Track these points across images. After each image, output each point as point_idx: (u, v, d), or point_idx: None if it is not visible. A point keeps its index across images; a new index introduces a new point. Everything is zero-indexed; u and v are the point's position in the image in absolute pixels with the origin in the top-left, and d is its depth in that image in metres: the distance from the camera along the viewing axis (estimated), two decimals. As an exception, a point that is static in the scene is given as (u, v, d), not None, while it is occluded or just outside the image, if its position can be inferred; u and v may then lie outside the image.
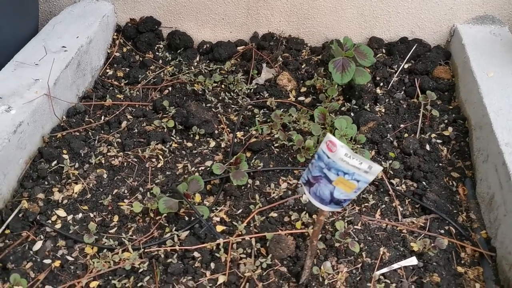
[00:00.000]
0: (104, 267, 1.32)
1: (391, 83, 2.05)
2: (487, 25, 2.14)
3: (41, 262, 1.36)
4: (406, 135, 1.81)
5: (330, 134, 1.05)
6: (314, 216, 1.47)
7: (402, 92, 2.01)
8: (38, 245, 1.41)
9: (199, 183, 1.46)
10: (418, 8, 2.15)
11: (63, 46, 1.97)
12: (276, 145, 1.77)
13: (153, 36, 2.33)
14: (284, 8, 2.25)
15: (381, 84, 2.07)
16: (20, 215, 1.49)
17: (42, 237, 1.44)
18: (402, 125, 1.85)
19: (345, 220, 1.45)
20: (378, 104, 1.95)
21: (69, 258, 1.39)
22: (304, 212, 1.47)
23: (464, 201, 1.59)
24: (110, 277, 1.31)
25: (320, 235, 1.40)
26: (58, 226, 1.48)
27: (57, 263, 1.36)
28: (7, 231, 1.45)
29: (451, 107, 1.94)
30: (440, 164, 1.71)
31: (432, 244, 1.38)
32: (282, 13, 2.26)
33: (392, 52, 2.20)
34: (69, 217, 1.51)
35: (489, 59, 1.92)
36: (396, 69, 2.11)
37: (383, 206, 1.54)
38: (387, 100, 1.97)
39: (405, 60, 2.12)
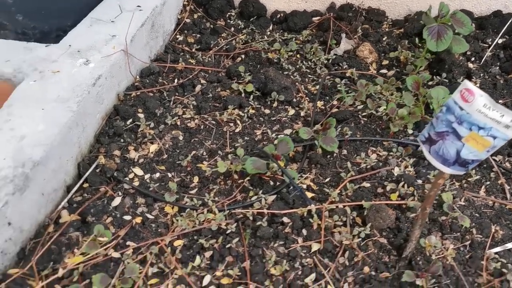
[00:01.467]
0: (189, 226, 1.23)
1: (484, 58, 1.89)
2: None
3: (121, 218, 1.29)
4: (505, 111, 1.65)
5: (468, 81, 0.92)
6: (412, 188, 1.34)
7: (498, 68, 1.85)
8: (117, 201, 1.34)
9: (289, 145, 1.35)
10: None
11: (138, 6, 1.89)
12: (363, 114, 1.64)
13: (225, 3, 2.24)
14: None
15: (473, 58, 1.91)
16: (98, 170, 1.42)
17: (120, 193, 1.37)
18: (500, 101, 1.69)
19: (452, 194, 1.31)
20: (472, 78, 1.79)
21: (149, 216, 1.31)
22: (402, 183, 1.34)
23: None
24: (195, 237, 1.22)
25: (413, 204, 1.27)
26: (136, 183, 1.40)
27: (138, 220, 1.28)
28: (85, 185, 1.38)
29: (554, 85, 1.77)
30: (546, 144, 1.55)
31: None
32: (364, -18, 2.13)
33: (484, 26, 2.04)
34: (146, 176, 1.43)
35: None
36: (489, 43, 1.94)
37: (488, 183, 1.39)
38: (481, 75, 1.81)
39: (499, 35, 1.95)
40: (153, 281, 1.12)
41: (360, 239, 1.19)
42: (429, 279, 1.09)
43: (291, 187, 1.31)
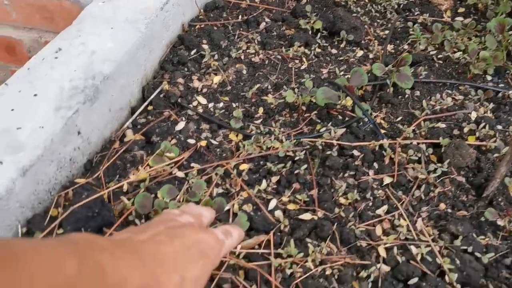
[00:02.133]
0: (255, 151, 1.19)
1: None
2: None
3: (185, 141, 1.26)
4: None
5: None
6: (492, 132, 1.25)
7: None
8: (181, 125, 1.31)
9: (363, 77, 1.28)
10: None
11: None
12: (439, 57, 1.55)
13: None
14: None
15: (560, 8, 1.76)
16: (161, 95, 1.39)
17: (184, 118, 1.34)
18: None
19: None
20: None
21: (213, 141, 1.27)
22: (483, 123, 1.25)
23: None
24: (261, 162, 1.18)
25: (489, 146, 1.18)
26: (199, 110, 1.37)
27: (203, 143, 1.25)
28: (150, 108, 1.36)
29: None
30: None
31: None
32: None
33: None
34: (210, 105, 1.40)
35: None
36: None
37: None
38: None
39: None
40: (217, 200, 1.09)
41: (436, 175, 1.12)
42: (508, 220, 1.01)
43: (365, 118, 1.25)
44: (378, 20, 1.82)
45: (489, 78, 1.49)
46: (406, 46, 1.66)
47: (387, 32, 1.72)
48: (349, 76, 1.31)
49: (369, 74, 1.43)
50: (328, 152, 1.17)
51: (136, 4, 1.43)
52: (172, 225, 0.68)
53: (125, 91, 1.29)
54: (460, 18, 1.79)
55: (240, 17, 1.77)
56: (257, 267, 0.92)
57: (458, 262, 0.93)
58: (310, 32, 1.68)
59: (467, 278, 0.91)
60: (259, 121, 1.34)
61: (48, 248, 0.43)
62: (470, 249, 0.96)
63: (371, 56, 1.62)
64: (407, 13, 1.84)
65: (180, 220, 0.71)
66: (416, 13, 1.83)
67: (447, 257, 0.94)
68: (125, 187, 1.11)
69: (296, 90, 1.42)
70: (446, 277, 0.92)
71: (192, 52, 1.55)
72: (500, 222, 1.02)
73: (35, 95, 1.10)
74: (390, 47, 1.66)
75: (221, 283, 0.91)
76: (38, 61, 1.21)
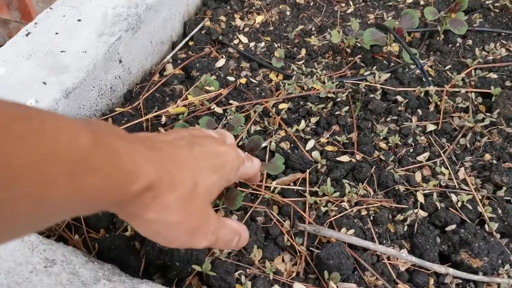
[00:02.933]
0: (296, 91, 1.17)
1: None
2: None
3: (225, 78, 1.24)
4: None
5: None
6: (547, 85, 1.18)
7: None
8: (221, 62, 1.29)
9: (414, 19, 1.22)
10: None
11: None
12: (496, 5, 1.45)
13: None
14: None
15: None
16: (203, 32, 1.37)
17: (224, 56, 1.32)
18: None
19: None
20: None
21: (252, 80, 1.25)
22: (537, 74, 1.19)
23: None
24: (301, 102, 1.16)
25: None
26: (241, 48, 1.34)
27: (243, 81, 1.23)
28: (191, 43, 1.34)
29: None
30: None
31: None
32: None
33: None
34: (251, 44, 1.37)
35: None
36: None
37: None
38: None
39: None
40: (255, 138, 1.08)
41: (483, 125, 1.08)
42: (563, 173, 0.97)
43: (412, 64, 1.20)
44: (433, -34, 1.71)
45: (549, 30, 1.39)
46: (461, -6, 1.56)
47: (441, -22, 1.62)
48: (399, 19, 1.25)
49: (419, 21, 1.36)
50: (371, 96, 1.13)
51: None
52: (196, 133, 0.66)
53: (166, 25, 1.28)
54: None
55: (286, -44, 1.69)
56: (291, 203, 0.92)
57: (500, 211, 0.89)
58: (359, -25, 1.60)
59: (508, 228, 0.88)
60: (301, 62, 1.31)
61: (64, 119, 0.40)
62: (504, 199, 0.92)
63: (422, 2, 1.54)
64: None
65: (205, 132, 0.70)
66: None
67: (489, 206, 0.90)
68: (163, 120, 1.12)
69: (341, 33, 1.37)
70: (486, 226, 0.89)
71: (236, -10, 1.50)
72: (549, 177, 0.97)
73: (79, 20, 1.10)
74: (443, -6, 1.57)
75: (255, 215, 0.91)
76: (82, -12, 1.20)
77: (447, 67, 1.28)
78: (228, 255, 0.85)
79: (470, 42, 1.36)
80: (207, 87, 1.11)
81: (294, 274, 0.85)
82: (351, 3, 1.52)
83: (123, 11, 1.13)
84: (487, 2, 1.50)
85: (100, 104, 1.07)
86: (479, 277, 0.82)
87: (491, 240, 0.85)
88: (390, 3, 1.53)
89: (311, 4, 1.52)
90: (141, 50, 1.18)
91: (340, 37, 1.26)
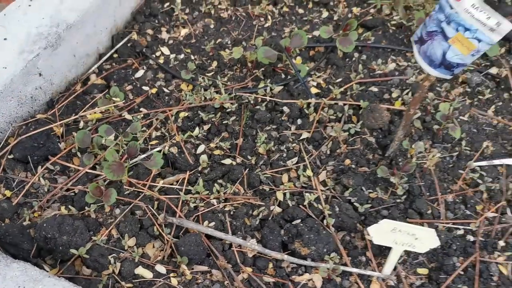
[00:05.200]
0: (195, 101, 1.34)
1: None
2: None
3: (140, 87, 1.42)
4: (549, 37, 1.55)
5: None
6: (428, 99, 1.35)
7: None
8: (140, 73, 1.47)
9: (302, 39, 1.39)
10: None
11: None
12: (393, 23, 1.62)
13: None
14: None
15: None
16: (129, 44, 1.54)
17: (144, 67, 1.50)
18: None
19: (452, 106, 1.31)
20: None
21: (165, 90, 1.43)
22: (408, 91, 1.36)
23: None
24: (199, 111, 1.34)
25: (418, 115, 1.29)
26: (160, 61, 1.51)
27: (154, 91, 1.41)
28: (115, 55, 1.52)
29: None
30: None
31: (548, 149, 1.22)
32: None
33: None
34: (172, 56, 1.54)
35: None
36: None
37: (500, 103, 1.37)
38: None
39: None
40: (153, 142, 1.26)
41: (349, 134, 1.25)
42: (402, 177, 1.14)
43: (306, 78, 1.37)
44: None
45: (439, 46, 1.55)
46: (372, 10, 1.73)
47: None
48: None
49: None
50: (258, 107, 1.31)
51: (111, -42, 1.55)
52: None
53: (91, 39, 1.45)
54: (434, -16, 1.83)
55: (218, -28, 1.86)
56: (166, 199, 1.10)
57: (337, 209, 1.07)
58: (279, -9, 1.76)
59: (341, 223, 1.06)
60: (211, 74, 1.49)
61: None
62: (354, 199, 1.10)
63: (335, 17, 1.71)
64: (385, -24, 1.88)
65: None
66: (394, -24, 1.87)
67: (329, 205, 1.08)
68: (81, 125, 1.30)
69: (245, 48, 1.54)
70: (325, 221, 1.07)
71: (165, 5, 1.68)
72: (393, 180, 1.15)
73: (5, 39, 1.28)
74: (357, 10, 1.73)
75: (135, 209, 1.10)
76: (14, 8, 1.37)
77: (338, 80, 1.45)
78: (107, 242, 1.04)
79: (364, 57, 1.53)
80: (114, 98, 1.29)
81: (160, 258, 1.03)
82: (269, 17, 1.69)
83: (45, 30, 1.30)
84: (390, 18, 1.67)
85: (20, 112, 1.25)
86: (307, 262, 1.00)
87: (323, 233, 1.03)
88: (306, 18, 1.70)
89: (233, 18, 1.69)
90: (64, 63, 1.35)
91: (241, 53, 1.43)
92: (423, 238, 0.99)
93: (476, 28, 0.91)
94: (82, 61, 1.43)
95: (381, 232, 0.98)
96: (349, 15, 1.70)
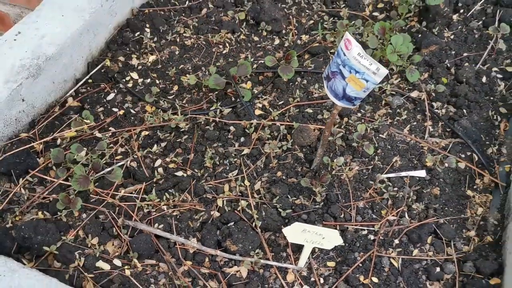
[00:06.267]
0: (156, 122, 1.58)
1: (471, 11, 1.99)
2: None
3: (110, 109, 1.66)
4: (466, 64, 1.80)
5: (348, 33, 1.15)
6: (346, 119, 1.60)
7: (480, 22, 1.95)
8: (111, 96, 1.71)
9: (247, 69, 1.64)
10: None
11: None
12: (332, 51, 1.86)
13: None
14: None
15: (461, 11, 2.02)
16: (103, 70, 1.78)
17: (115, 91, 1.74)
18: (465, 54, 1.83)
19: (371, 127, 1.55)
20: (449, 29, 1.93)
21: (132, 111, 1.67)
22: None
23: (502, 136, 1.60)
24: (158, 131, 1.58)
25: (342, 134, 1.53)
26: (129, 85, 1.76)
27: (122, 112, 1.65)
28: (90, 81, 1.76)
29: (527, 44, 1.87)
30: (491, 98, 1.71)
31: (445, 163, 1.46)
32: None
33: (484, -20, 2.10)
34: (140, 80, 1.78)
35: None
36: (481, -3, 2.03)
37: (415, 123, 1.61)
38: (459, 27, 1.94)
39: (493, -10, 2.02)
40: (118, 157, 1.50)
41: (283, 151, 1.49)
42: (321, 187, 1.39)
43: (252, 101, 1.62)
44: (307, 11, 2.12)
45: (371, 71, 1.80)
46: (318, 37, 1.97)
47: (311, 22, 2.03)
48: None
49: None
50: (207, 127, 1.55)
51: (86, -5, 1.80)
52: None
53: (69, 68, 1.69)
54: (376, 13, 2.08)
55: (187, 2, 2.11)
56: (125, 206, 1.34)
57: (264, 213, 1.32)
58: (237, 21, 2.01)
59: (267, 225, 1.30)
60: (172, 96, 1.73)
61: None
62: (279, 206, 1.34)
63: (286, 44, 1.95)
64: (334, 6, 2.13)
65: None
66: (342, 6, 2.12)
67: (258, 210, 1.33)
68: (58, 142, 1.54)
69: (201, 73, 1.78)
70: (254, 223, 1.31)
71: (136, 34, 1.92)
72: (315, 189, 1.39)
73: (-7, 70, 1.52)
74: (306, 37, 1.98)
75: (98, 214, 1.34)
76: (2, 42, 1.61)
77: (280, 102, 1.70)
78: (74, 241, 1.28)
79: (305, 82, 1.77)
80: (85, 120, 1.53)
81: (117, 253, 1.27)
82: (227, 45, 1.94)
83: (27, 62, 1.54)
84: (334, 46, 1.91)
85: (6, 132, 1.49)
86: (236, 257, 1.24)
87: (250, 233, 1.27)
88: (260, 45, 1.95)
89: (195, 45, 1.93)
90: (44, 89, 1.59)
91: (196, 80, 1.68)
92: (329, 237, 1.23)
93: (363, 71, 1.15)
94: (60, 86, 1.67)
95: (294, 232, 1.22)
96: (298, 42, 1.94)
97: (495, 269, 1.22)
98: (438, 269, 1.26)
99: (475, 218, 1.41)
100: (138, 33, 1.92)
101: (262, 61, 1.86)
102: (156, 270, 1.24)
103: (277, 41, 1.95)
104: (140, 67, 1.83)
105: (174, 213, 1.35)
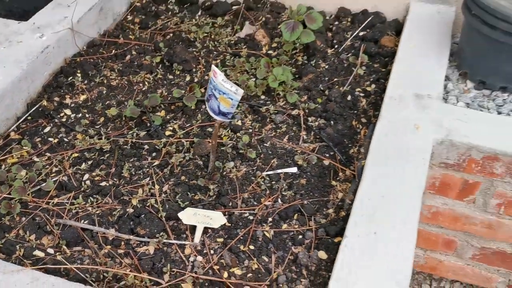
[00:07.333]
0: (84, 146, 1.96)
1: (343, 46, 2.50)
2: (436, 4, 2.51)
3: (47, 139, 2.03)
4: (336, 86, 2.28)
5: (214, 66, 1.60)
6: (239, 133, 2.02)
7: (349, 54, 2.46)
8: (47, 129, 2.08)
9: (157, 100, 2.06)
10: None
11: (91, -6, 2.59)
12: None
13: (168, -8, 2.91)
14: (270, -23, 2.73)
15: (336, 46, 2.53)
16: (40, 109, 2.16)
17: (51, 125, 2.11)
18: (335, 79, 2.32)
19: (258, 138, 1.98)
20: (324, 61, 2.42)
21: (65, 139, 2.04)
22: (228, 129, 2.03)
23: (362, 139, 2.06)
24: (85, 153, 1.95)
25: (232, 143, 1.95)
26: (63, 119, 2.14)
27: (56, 141, 2.02)
28: (29, 118, 2.12)
29: (383, 69, 2.37)
30: (355, 111, 2.18)
31: (312, 161, 1.90)
32: (269, -19, 2.75)
33: (354, 21, 2.64)
34: (72, 115, 2.17)
35: (419, 32, 2.32)
36: (351, 35, 2.55)
37: (292, 133, 2.06)
38: (332, 59, 2.44)
39: (359, 28, 2.55)
40: (52, 174, 1.87)
41: (186, 160, 1.90)
42: (213, 184, 1.79)
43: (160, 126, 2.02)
44: (214, 52, 2.58)
45: (262, 97, 2.25)
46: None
47: (217, 61, 2.48)
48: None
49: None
50: (125, 146, 1.94)
51: (25, 49, 2.19)
52: None
53: (10, 108, 2.06)
54: (271, 52, 2.56)
55: (113, 51, 2.53)
56: (57, 209, 1.70)
57: (167, 206, 1.70)
58: (154, 64, 2.44)
59: (170, 215, 1.68)
60: (98, 126, 2.11)
61: None
62: (180, 200, 1.73)
63: (196, 80, 2.39)
64: (237, 47, 2.60)
65: None
66: (244, 47, 2.59)
67: (162, 204, 1.71)
68: (2, 167, 1.89)
69: (122, 105, 2.18)
70: (159, 214, 1.69)
71: (69, 79, 2.32)
72: (210, 186, 1.79)
73: None
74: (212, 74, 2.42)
75: (35, 217, 1.69)
76: (-47, 90, 1.97)
77: (188, 125, 2.11)
78: (16, 238, 1.62)
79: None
80: (24, 147, 1.89)
81: (51, 244, 1.62)
82: (146, 83, 2.35)
83: (-25, 104, 1.91)
84: (233, 80, 2.36)
85: (-43, 161, 1.83)
86: (145, 239, 1.61)
87: (156, 221, 1.65)
88: (173, 82, 2.37)
89: (120, 85, 2.34)
90: (-11, 126, 1.95)
91: (116, 112, 2.08)
92: (215, 218, 1.63)
93: (228, 92, 1.59)
94: (3, 124, 2.04)
95: (188, 216, 1.61)
96: (206, 77, 2.38)
97: (338, 231, 1.64)
98: (300, 236, 1.67)
99: (336, 200, 1.83)
100: (71, 77, 2.32)
101: (177, 94, 2.28)
102: (82, 254, 1.59)
103: (188, 78, 2.39)
104: (72, 105, 2.22)
105: (97, 212, 1.72)
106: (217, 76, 1.59)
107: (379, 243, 1.48)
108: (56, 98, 2.23)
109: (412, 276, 2.28)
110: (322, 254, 1.60)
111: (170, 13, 2.85)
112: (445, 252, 2.15)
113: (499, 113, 2.02)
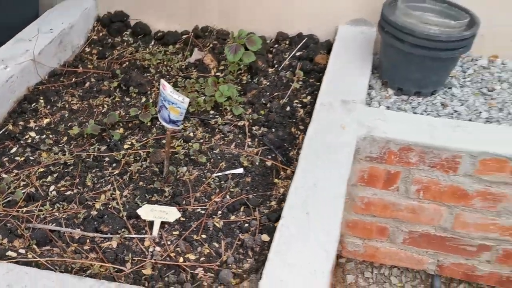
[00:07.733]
0: (49, 161, 2.16)
1: (282, 65, 2.82)
2: (360, 26, 2.88)
3: (14, 158, 2.22)
4: (277, 99, 2.57)
5: (163, 80, 1.86)
6: (191, 143, 2.27)
7: (287, 72, 2.77)
8: (13, 150, 2.27)
9: (115, 118, 2.29)
10: (313, 14, 2.91)
11: (50, 29, 2.83)
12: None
13: (122, 25, 3.18)
14: (216, 9, 3.05)
15: (276, 65, 2.84)
16: (6, 132, 2.35)
17: (17, 146, 2.30)
18: (276, 93, 2.62)
19: (208, 146, 2.24)
20: (265, 79, 2.72)
21: (30, 158, 2.24)
22: (180, 139, 2.28)
23: (300, 143, 2.35)
24: (51, 167, 2.15)
25: (184, 151, 2.19)
26: (29, 141, 2.33)
27: (22, 159, 2.21)
28: (-4, 140, 2.31)
29: (317, 83, 2.69)
30: (294, 120, 2.47)
31: (256, 162, 2.16)
32: (215, 13, 3.07)
33: (291, 43, 2.97)
34: (37, 137, 2.37)
35: (346, 50, 2.67)
36: (288, 55, 2.87)
37: (239, 141, 2.32)
38: (273, 76, 2.74)
39: (296, 49, 2.88)
40: (21, 187, 2.05)
41: (143, 168, 2.12)
42: (168, 186, 2.02)
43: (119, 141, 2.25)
44: (167, 76, 2.84)
45: (212, 112, 2.52)
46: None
47: (171, 83, 2.74)
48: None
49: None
50: (88, 159, 2.16)
51: (-10, 79, 2.40)
52: None
53: (-22, 132, 2.25)
54: (219, 73, 2.84)
55: (74, 79, 2.76)
56: (27, 215, 1.88)
57: (127, 206, 1.91)
58: (112, 88, 2.68)
59: (130, 214, 1.90)
60: (62, 144, 2.32)
61: None
62: (139, 201, 1.95)
63: (151, 100, 2.64)
64: (188, 71, 2.88)
65: None
66: (194, 71, 2.86)
67: (123, 205, 1.92)
68: (-27, 185, 2.06)
69: (83, 125, 2.40)
70: (121, 214, 1.90)
71: (32, 105, 2.52)
72: (165, 189, 2.02)
73: None
74: (166, 95, 2.67)
75: (7, 223, 1.87)
76: None
77: (144, 139, 2.34)
78: (-11, 242, 1.79)
79: (158, 123, 2.44)
80: (-7, 164, 2.08)
81: (22, 246, 1.80)
82: (105, 106, 2.58)
83: None
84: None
85: None
86: (108, 235, 1.82)
87: (117, 220, 1.86)
88: (130, 103, 2.61)
89: (81, 109, 2.56)
90: (-41, 148, 2.13)
91: (78, 130, 2.29)
92: (170, 213, 1.85)
93: (176, 102, 1.84)
94: (-28, 146, 2.22)
95: (145, 211, 1.83)
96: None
97: (278, 217, 1.89)
98: (247, 225, 1.91)
99: (278, 195, 2.09)
100: (34, 103, 2.53)
101: (133, 114, 2.52)
102: (51, 252, 1.78)
103: (143, 99, 2.64)
104: (37, 128, 2.42)
105: (64, 216, 1.91)
106: (166, 88, 1.85)
107: (311, 222, 1.74)
108: (21, 122, 2.43)
109: (355, 266, 2.56)
110: (265, 237, 1.84)
111: (125, 44, 3.11)
112: (380, 239, 2.42)
113: (415, 113, 2.35)
